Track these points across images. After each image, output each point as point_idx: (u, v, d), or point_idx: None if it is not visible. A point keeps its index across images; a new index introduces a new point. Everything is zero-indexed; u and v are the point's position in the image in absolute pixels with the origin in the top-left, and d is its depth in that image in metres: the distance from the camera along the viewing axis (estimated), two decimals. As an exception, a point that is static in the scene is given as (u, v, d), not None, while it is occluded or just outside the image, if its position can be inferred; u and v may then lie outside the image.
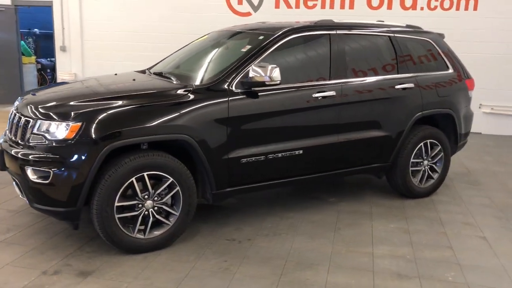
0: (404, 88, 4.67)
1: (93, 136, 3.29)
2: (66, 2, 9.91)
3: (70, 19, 9.97)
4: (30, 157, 3.35)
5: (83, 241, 3.74)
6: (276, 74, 3.74)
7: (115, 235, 3.45)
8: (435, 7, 8.66)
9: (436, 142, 4.96)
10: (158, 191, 3.55)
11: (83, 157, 3.28)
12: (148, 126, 3.45)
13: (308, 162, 4.24)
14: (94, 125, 3.31)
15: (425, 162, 4.95)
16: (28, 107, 3.58)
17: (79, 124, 3.30)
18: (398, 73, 4.72)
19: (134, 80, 4.22)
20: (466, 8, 8.59)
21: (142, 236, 3.55)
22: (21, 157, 3.37)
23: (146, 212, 3.55)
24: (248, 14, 9.26)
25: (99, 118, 3.34)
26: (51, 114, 3.40)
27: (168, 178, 3.55)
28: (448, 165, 5.15)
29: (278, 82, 3.79)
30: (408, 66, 4.79)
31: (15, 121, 3.67)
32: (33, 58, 11.44)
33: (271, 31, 4.24)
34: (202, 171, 3.73)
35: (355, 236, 4.01)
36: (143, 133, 3.43)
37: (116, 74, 4.75)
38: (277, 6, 9.16)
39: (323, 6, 9.00)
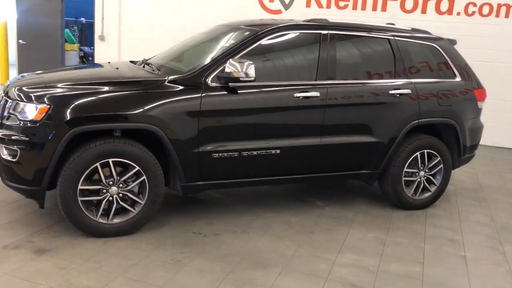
0: (399, 94, 4.47)
1: (59, 119, 3.39)
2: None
3: (109, 9, 10.30)
4: (4, 135, 3.50)
5: (56, 220, 3.86)
6: (251, 71, 3.70)
7: (78, 217, 3.54)
8: (473, 13, 8.23)
9: (435, 153, 4.73)
10: (123, 178, 3.60)
11: (48, 139, 3.39)
12: (113, 113, 3.50)
13: (286, 162, 4.16)
14: (60, 108, 3.41)
15: (421, 173, 4.72)
16: (11, 88, 3.73)
17: (47, 106, 3.40)
18: (394, 78, 4.53)
19: (117, 68, 4.30)
20: (507, 15, 8.10)
21: (105, 221, 3.62)
22: None
23: (111, 198, 3.60)
24: (279, 11, 9.21)
25: (65, 102, 3.43)
26: (24, 95, 3.53)
27: (134, 166, 3.59)
28: (448, 178, 4.89)
29: (253, 79, 3.74)
30: (408, 71, 4.59)
31: (1, 102, 3.83)
32: (76, 45, 11.95)
33: (263, 27, 4.18)
34: (171, 162, 3.75)
35: (325, 242, 3.90)
36: (107, 120, 3.49)
37: (109, 63, 4.86)
38: (308, 5, 9.04)
39: (354, 7, 8.79)
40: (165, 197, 3.95)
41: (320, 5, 8.96)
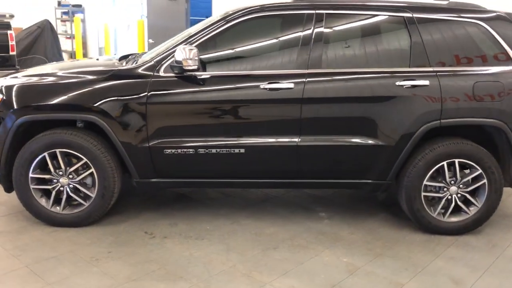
0: (411, 86, 3.52)
1: (8, 108, 3.50)
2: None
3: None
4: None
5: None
6: (194, 58, 3.30)
7: (31, 204, 3.63)
8: None
9: (473, 164, 3.61)
10: (71, 169, 3.57)
11: (2, 128, 3.53)
12: (56, 103, 3.49)
13: (254, 164, 3.63)
14: (10, 98, 3.52)
15: (452, 189, 3.66)
16: None
17: (1, 97, 3.54)
18: (408, 66, 3.58)
19: (97, 59, 4.28)
20: None
21: (57, 211, 3.64)
22: None
23: (61, 188, 3.61)
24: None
25: (15, 91, 3.53)
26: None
27: (82, 158, 3.53)
28: (497, 198, 3.70)
29: (196, 67, 3.34)
30: (430, 58, 3.58)
31: None
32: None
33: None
34: (121, 156, 3.59)
35: (279, 261, 3.30)
36: (51, 110, 3.48)
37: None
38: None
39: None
40: (162, 192, 3.99)
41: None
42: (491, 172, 3.61)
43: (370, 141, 3.56)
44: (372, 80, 3.53)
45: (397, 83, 3.51)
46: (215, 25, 3.57)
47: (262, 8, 3.59)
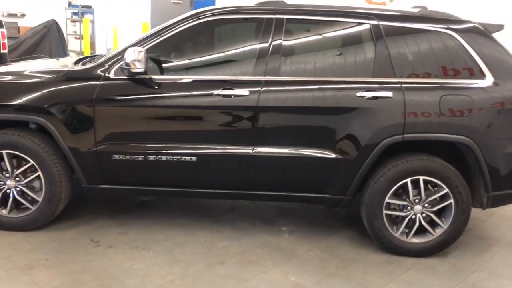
0: (374, 97, 3.32)
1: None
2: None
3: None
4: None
5: None
6: (140, 59, 3.17)
7: (-20, 205, 3.53)
8: None
9: (440, 183, 3.39)
10: (18, 171, 3.46)
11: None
12: (4, 103, 3.40)
13: (206, 173, 3.47)
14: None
15: (417, 208, 3.44)
16: None
17: None
18: (371, 76, 3.38)
19: (57, 59, 4.19)
20: None
21: (3, 214, 3.54)
22: None
23: (8, 191, 3.51)
24: (383, 4, 8.00)
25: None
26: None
27: (29, 160, 3.43)
28: (464, 220, 3.47)
29: (143, 70, 3.20)
30: (396, 68, 3.38)
31: None
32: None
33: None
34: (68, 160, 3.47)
35: (223, 277, 3.13)
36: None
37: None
38: (416, -6, 7.61)
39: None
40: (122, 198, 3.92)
41: (430, -6, 7.44)
42: (458, 191, 3.39)
43: (328, 154, 3.37)
44: (332, 90, 3.35)
45: (358, 94, 3.32)
46: (170, 28, 3.44)
47: (219, 11, 3.44)
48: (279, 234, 3.79)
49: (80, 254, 3.30)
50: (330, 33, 3.58)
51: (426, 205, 3.44)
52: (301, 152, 3.38)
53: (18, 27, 13.86)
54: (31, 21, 13.49)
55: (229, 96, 3.31)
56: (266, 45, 3.38)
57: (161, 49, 3.45)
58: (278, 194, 3.53)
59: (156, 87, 3.37)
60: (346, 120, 3.33)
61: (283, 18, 3.42)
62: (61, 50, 12.47)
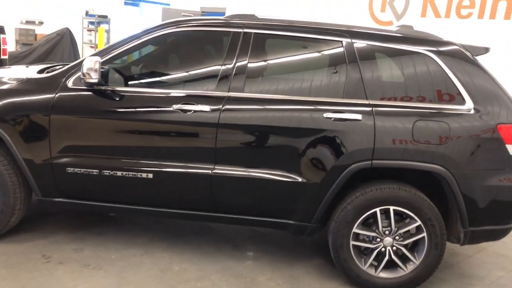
0: (342, 119, 3.11)
1: None
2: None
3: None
4: None
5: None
6: (95, 69, 3.04)
7: None
8: None
9: (412, 214, 3.15)
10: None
11: None
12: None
13: (163, 191, 3.29)
14: None
15: (387, 240, 3.20)
16: None
17: None
18: (341, 98, 3.18)
19: (27, 67, 4.09)
20: None
21: (-42, 223, 3.42)
22: None
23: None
24: (390, 23, 7.78)
25: None
26: None
27: (-20, 170, 3.31)
28: (438, 256, 3.21)
29: (96, 81, 3.07)
30: (368, 89, 3.17)
31: None
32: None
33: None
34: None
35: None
36: None
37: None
38: (423, 14, 7.41)
39: (480, 15, 6.80)
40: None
41: (437, 14, 7.23)
42: (431, 225, 3.13)
43: (292, 177, 3.16)
44: (298, 109, 3.16)
45: (325, 115, 3.11)
46: (133, 39, 3.30)
47: (185, 23, 3.29)
48: (243, 259, 3.58)
49: (25, 270, 3.15)
50: (300, 50, 3.39)
51: (397, 237, 3.18)
52: (264, 174, 3.19)
53: (36, 34, 14.09)
54: (49, 29, 13.68)
55: (188, 111, 3.15)
56: (231, 60, 3.21)
57: (126, 60, 3.31)
58: (239, 218, 3.33)
59: (113, 98, 3.23)
60: (311, 142, 3.12)
61: (251, 33, 3.25)
62: (73, 58, 12.57)
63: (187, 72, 3.45)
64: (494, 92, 3.15)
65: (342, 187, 3.15)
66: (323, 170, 3.13)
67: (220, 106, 3.14)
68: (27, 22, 14.11)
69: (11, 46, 13.09)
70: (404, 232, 3.19)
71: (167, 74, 3.46)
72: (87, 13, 14.50)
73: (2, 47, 7.63)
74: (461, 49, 3.21)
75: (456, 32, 6.91)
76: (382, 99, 3.15)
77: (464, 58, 3.19)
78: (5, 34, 7.73)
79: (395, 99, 3.15)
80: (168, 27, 3.29)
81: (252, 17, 3.35)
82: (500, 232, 3.30)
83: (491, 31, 6.59)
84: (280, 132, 3.15)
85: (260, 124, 3.14)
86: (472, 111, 3.09)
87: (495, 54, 6.55)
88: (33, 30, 14.05)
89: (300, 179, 3.16)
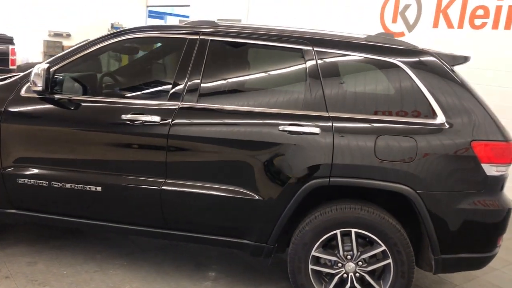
0: (298, 133, 2.88)
1: None
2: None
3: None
4: None
5: None
6: (42, 76, 2.94)
7: None
8: None
9: (375, 238, 2.87)
10: None
11: None
12: None
13: (113, 205, 3.14)
14: None
15: (349, 266, 2.93)
16: None
17: None
18: (299, 109, 2.95)
19: None
20: None
21: None
22: None
23: None
24: (402, 34, 7.46)
25: None
26: None
27: None
28: (405, 285, 2.90)
29: (40, 89, 2.96)
30: (328, 101, 2.93)
31: None
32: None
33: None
34: None
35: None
36: None
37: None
38: (435, 25, 7.05)
39: (495, 26, 6.40)
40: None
41: (450, 25, 6.86)
42: (397, 250, 2.84)
43: (246, 194, 2.95)
44: (253, 121, 2.94)
45: (281, 127, 2.89)
46: (88, 46, 3.18)
47: (141, 30, 3.16)
48: (202, 280, 3.37)
49: (-33, 283, 3.04)
50: (259, 58, 3.19)
51: (360, 263, 2.90)
52: (216, 191, 2.98)
53: (63, 46, 14.42)
54: (75, 41, 13.97)
55: (138, 121, 2.99)
56: (186, 68, 3.04)
57: (81, 68, 3.19)
58: (192, 236, 3.13)
59: (64, 107, 3.12)
60: (266, 156, 2.90)
61: (207, 40, 3.07)
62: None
63: (140, 80, 3.30)
64: (470, 106, 2.84)
65: (300, 206, 2.91)
66: (278, 187, 2.90)
67: (171, 117, 2.96)
68: (55, 35, 14.46)
69: (38, 57, 13.46)
70: (369, 258, 2.91)
71: (120, 82, 3.32)
72: (112, 26, 14.74)
73: (10, 57, 7.75)
74: (436, 59, 2.93)
75: (470, 43, 6.53)
76: (344, 111, 2.89)
77: (438, 68, 2.91)
78: (14, 44, 7.86)
79: (359, 112, 2.89)
80: (123, 34, 3.16)
81: (211, 23, 3.17)
82: (479, 261, 2.97)
83: (506, 42, 6.17)
84: (234, 145, 2.94)
85: (213, 136, 2.95)
86: (444, 127, 2.80)
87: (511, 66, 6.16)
88: (60, 42, 14.39)
89: (254, 196, 2.94)
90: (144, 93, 3.22)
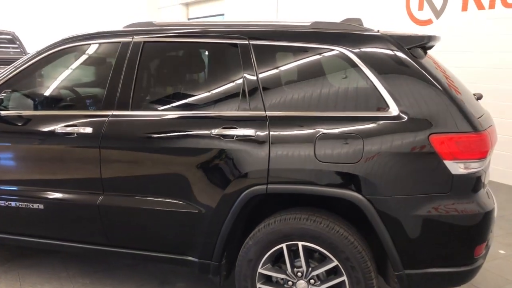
0: (232, 136, 2.59)
1: None
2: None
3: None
4: None
5: None
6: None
7: None
8: None
9: (326, 252, 2.51)
10: None
11: None
12: None
13: (55, 224, 3.01)
14: None
15: (301, 284, 2.59)
16: None
17: None
18: (237, 110, 2.66)
19: None
20: None
21: None
22: None
23: None
24: (429, 22, 6.86)
25: None
26: None
27: None
28: (366, 307, 2.51)
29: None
30: (266, 99, 2.61)
31: None
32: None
33: None
34: None
35: None
36: None
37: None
38: (464, 8, 6.39)
39: (530, 2, 5.67)
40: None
41: (480, 6, 6.19)
42: (351, 266, 2.45)
43: (184, 207, 2.71)
44: (187, 127, 2.69)
45: (214, 131, 2.60)
46: (25, 60, 3.09)
47: (73, 38, 3.01)
48: (161, 299, 3.13)
49: None
50: (195, 57, 2.93)
51: (312, 281, 2.54)
52: (152, 204, 2.75)
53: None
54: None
55: (71, 134, 2.83)
56: (119, 73, 2.85)
57: (20, 83, 3.10)
58: (134, 253, 2.91)
59: (4, 122, 3.02)
60: (201, 164, 2.63)
61: (140, 41, 2.86)
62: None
63: (76, 90, 3.15)
64: (429, 93, 2.40)
65: (240, 217, 2.60)
66: (215, 197, 2.62)
67: (103, 127, 2.78)
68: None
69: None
70: (324, 275, 2.54)
71: (59, 94, 3.19)
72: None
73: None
74: (387, 42, 2.51)
75: (503, 24, 5.83)
76: (283, 110, 2.56)
77: (391, 52, 2.49)
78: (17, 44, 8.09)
79: (299, 110, 2.54)
80: (59, 45, 3.03)
81: (147, 24, 2.96)
82: (457, 277, 2.50)
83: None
84: (168, 154, 2.70)
85: (145, 146, 2.73)
86: (397, 120, 2.38)
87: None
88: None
89: (192, 209, 2.68)
90: (80, 103, 3.07)
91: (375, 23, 7.00)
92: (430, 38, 2.59)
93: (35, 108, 3.06)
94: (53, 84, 3.17)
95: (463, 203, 2.35)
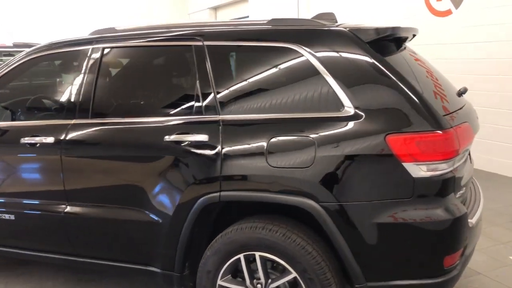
0: (184, 142, 2.50)
1: None
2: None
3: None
4: None
5: None
6: None
7: None
8: None
9: (284, 263, 2.37)
10: None
11: None
12: None
13: (23, 233, 3.02)
14: None
15: (260, 297, 2.46)
16: None
17: None
18: (192, 114, 2.56)
19: None
20: None
21: None
22: None
23: None
24: (448, 12, 6.50)
25: None
26: None
27: None
28: (327, 321, 2.34)
29: None
30: (221, 102, 2.50)
31: None
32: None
33: None
34: None
35: None
36: None
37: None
38: (484, -4, 6.00)
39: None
40: None
41: (500, -6, 5.78)
42: (309, 278, 2.29)
43: (142, 216, 2.64)
44: (143, 133, 2.61)
45: (167, 137, 2.51)
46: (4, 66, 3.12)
47: (37, 49, 3.01)
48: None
49: None
50: (152, 62, 2.84)
51: (274, 293, 2.40)
52: (113, 213, 2.70)
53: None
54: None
55: (34, 144, 2.82)
56: (80, 81, 2.82)
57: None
58: (99, 263, 2.86)
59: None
60: (156, 172, 2.55)
61: (99, 48, 2.81)
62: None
63: (42, 99, 3.14)
64: (387, 90, 2.20)
65: (200, 226, 2.50)
66: (171, 206, 2.53)
67: (63, 136, 2.75)
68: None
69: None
70: (287, 286, 2.39)
71: (26, 104, 3.19)
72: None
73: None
74: (346, 36, 2.33)
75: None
76: (236, 113, 2.43)
77: (347, 47, 2.31)
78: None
79: (252, 112, 2.41)
80: (29, 54, 3.03)
81: (109, 30, 2.91)
82: (428, 289, 2.27)
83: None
84: (125, 161, 2.64)
85: (103, 154, 2.69)
86: (351, 120, 2.20)
87: None
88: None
89: (150, 218, 2.60)
90: (46, 113, 3.07)
91: (393, 16, 6.76)
92: (394, 29, 2.39)
93: (1, 119, 3.07)
94: (19, 95, 3.18)
95: (427, 208, 2.14)
